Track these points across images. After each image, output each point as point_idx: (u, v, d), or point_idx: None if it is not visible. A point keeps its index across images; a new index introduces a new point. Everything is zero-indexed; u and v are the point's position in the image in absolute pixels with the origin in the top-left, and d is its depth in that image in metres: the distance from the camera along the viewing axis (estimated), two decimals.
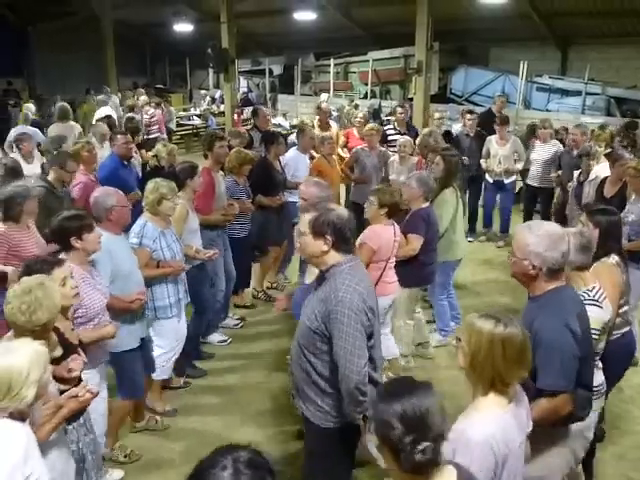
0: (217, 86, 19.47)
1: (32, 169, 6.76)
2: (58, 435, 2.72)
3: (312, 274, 3.40)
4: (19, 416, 2.28)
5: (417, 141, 7.23)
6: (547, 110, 13.83)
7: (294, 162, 6.89)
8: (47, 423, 2.55)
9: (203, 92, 19.70)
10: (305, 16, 15.22)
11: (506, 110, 10.57)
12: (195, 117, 17.26)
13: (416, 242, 4.90)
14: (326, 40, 18.40)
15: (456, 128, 9.92)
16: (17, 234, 4.27)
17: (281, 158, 6.78)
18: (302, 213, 3.21)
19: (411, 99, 13.48)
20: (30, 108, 10.66)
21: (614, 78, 14.50)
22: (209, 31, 16.51)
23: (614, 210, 3.98)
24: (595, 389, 3.00)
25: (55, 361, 2.79)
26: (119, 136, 6.72)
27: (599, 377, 3.15)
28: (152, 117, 12.03)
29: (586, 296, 3.05)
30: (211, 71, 19.05)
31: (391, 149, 8.04)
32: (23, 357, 2.28)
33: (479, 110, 10.59)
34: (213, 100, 18.82)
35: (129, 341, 3.92)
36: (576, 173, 6.72)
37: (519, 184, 9.21)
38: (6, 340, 2.63)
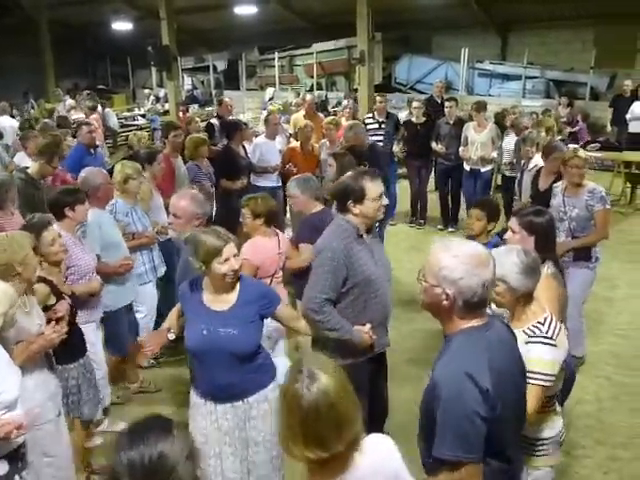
0: (161, 85, 19.16)
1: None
2: (38, 369, 3.13)
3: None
4: None
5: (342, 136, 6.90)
6: (489, 95, 14.08)
7: (261, 148, 7.29)
8: (18, 356, 2.93)
9: (147, 91, 19.34)
10: (246, 10, 15.13)
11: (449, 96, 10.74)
12: (139, 117, 16.94)
13: (308, 251, 4.10)
14: (269, 33, 18.30)
15: (402, 116, 10.03)
16: (2, 221, 4.65)
17: (247, 144, 7.32)
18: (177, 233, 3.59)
19: (356, 90, 13.54)
20: None
21: (553, 61, 14.86)
22: (149, 29, 16.25)
23: (546, 210, 3.51)
24: (548, 440, 2.67)
25: (50, 307, 3.34)
26: (84, 126, 7.22)
27: (557, 424, 2.73)
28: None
29: (536, 331, 2.56)
30: (154, 70, 18.72)
31: (371, 139, 7.93)
32: None
33: (423, 97, 10.71)
34: (157, 99, 18.50)
35: (118, 301, 4.47)
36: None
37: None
38: None
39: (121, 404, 4.70)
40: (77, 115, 11.93)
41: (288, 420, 1.81)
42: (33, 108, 16.09)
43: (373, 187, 3.33)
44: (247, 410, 3.05)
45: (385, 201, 3.43)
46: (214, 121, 8.76)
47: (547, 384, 2.50)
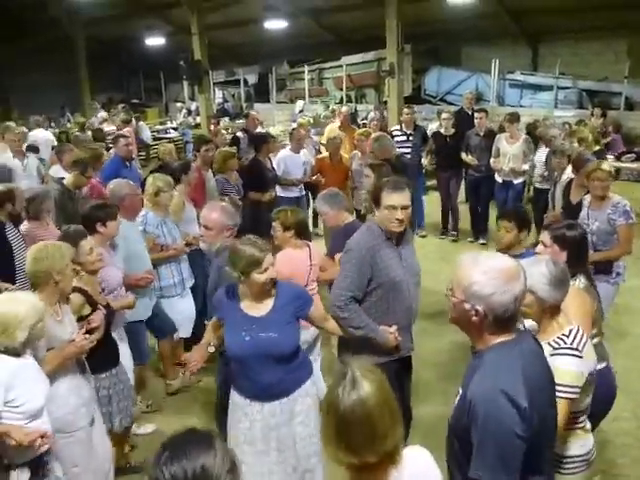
0: (192, 98, 19.44)
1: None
2: (71, 375, 3.21)
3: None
4: (13, 352, 2.74)
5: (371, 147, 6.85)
6: (520, 106, 13.96)
7: (285, 161, 7.45)
8: (49, 362, 3.03)
9: (179, 105, 19.63)
10: (276, 24, 15.26)
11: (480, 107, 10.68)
12: (172, 130, 17.20)
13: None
14: (299, 47, 18.46)
15: (432, 128, 10.01)
16: (38, 231, 4.84)
17: (272, 157, 7.44)
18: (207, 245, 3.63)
19: (386, 102, 13.55)
20: None
21: (585, 72, 14.68)
22: (182, 44, 16.52)
23: (578, 223, 3.52)
24: (577, 459, 2.59)
25: (85, 318, 3.42)
26: (121, 139, 7.34)
27: (587, 442, 2.64)
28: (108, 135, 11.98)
29: (561, 343, 2.50)
30: (185, 83, 19.02)
31: (400, 151, 8.01)
32: (21, 306, 2.73)
33: (453, 109, 10.67)
34: (189, 112, 18.76)
35: (139, 313, 4.48)
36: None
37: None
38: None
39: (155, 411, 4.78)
40: (109, 128, 12.18)
41: (325, 420, 1.81)
42: (69, 122, 16.46)
43: (387, 196, 3.35)
44: (292, 406, 3.16)
45: (400, 215, 3.34)
46: (240, 134, 8.90)
47: (572, 396, 2.43)
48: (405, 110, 8.75)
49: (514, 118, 7.83)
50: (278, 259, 3.95)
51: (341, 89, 17.23)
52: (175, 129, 17.03)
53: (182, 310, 4.99)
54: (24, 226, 4.95)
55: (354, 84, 17.17)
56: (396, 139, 8.34)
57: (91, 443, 3.31)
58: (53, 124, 14.98)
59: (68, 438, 3.12)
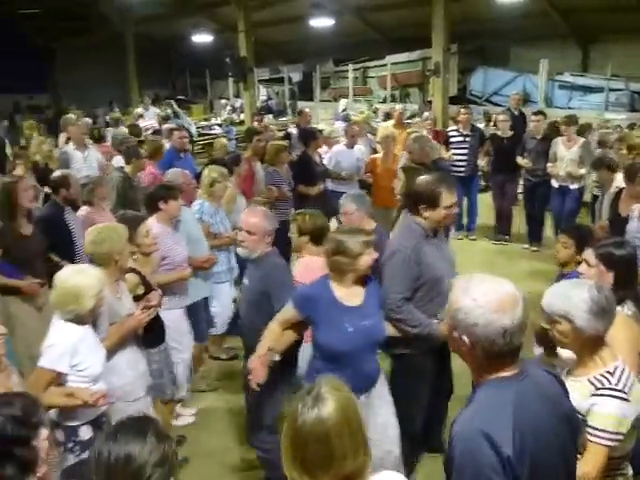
0: (237, 95, 19.62)
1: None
2: (129, 350, 3.48)
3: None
4: (77, 321, 3.01)
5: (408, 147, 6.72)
6: (569, 108, 13.65)
7: (338, 156, 7.66)
8: (112, 336, 3.32)
9: (223, 101, 19.87)
10: (322, 22, 15.28)
11: (529, 109, 10.48)
12: (216, 126, 17.41)
13: None
14: (344, 45, 18.44)
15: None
16: (95, 215, 5.17)
17: (323, 151, 7.80)
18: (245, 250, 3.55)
19: (430, 102, 13.44)
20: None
21: (638, 73, 14.25)
22: (228, 41, 16.71)
23: (627, 241, 3.24)
24: None
25: (139, 297, 3.68)
26: (175, 132, 7.82)
27: None
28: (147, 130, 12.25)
29: (604, 382, 2.22)
30: (231, 81, 19.21)
31: (455, 152, 8.15)
32: (89, 277, 3.02)
33: (499, 110, 10.51)
34: (234, 109, 18.96)
35: (199, 293, 4.78)
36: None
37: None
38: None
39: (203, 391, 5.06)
40: (145, 123, 12.46)
41: (283, 435, 1.75)
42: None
43: (448, 196, 3.42)
44: (378, 392, 3.27)
45: (456, 210, 3.52)
46: (292, 130, 9.08)
47: (612, 444, 2.17)
48: (462, 110, 8.61)
49: (571, 121, 7.59)
50: (296, 268, 4.02)
51: (385, 88, 17.16)
52: (219, 125, 17.23)
53: (229, 297, 5.25)
54: (82, 211, 5.35)
55: (398, 83, 17.07)
56: (452, 140, 8.28)
57: (148, 412, 3.49)
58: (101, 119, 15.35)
59: (128, 407, 3.32)
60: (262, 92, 19.99)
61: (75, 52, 20.10)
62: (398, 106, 9.87)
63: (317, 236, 4.00)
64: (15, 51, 18.33)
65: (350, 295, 3.14)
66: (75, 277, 3.01)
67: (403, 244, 3.47)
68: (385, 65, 16.98)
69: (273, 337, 3.23)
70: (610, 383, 2.22)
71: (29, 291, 4.53)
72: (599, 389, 2.23)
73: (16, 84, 18.83)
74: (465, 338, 1.78)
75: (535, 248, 8.08)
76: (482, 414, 1.75)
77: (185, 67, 23.91)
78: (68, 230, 5.08)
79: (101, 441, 1.72)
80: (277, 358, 3.24)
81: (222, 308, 5.20)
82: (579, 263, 3.61)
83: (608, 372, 2.25)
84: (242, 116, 16.91)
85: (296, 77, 19.94)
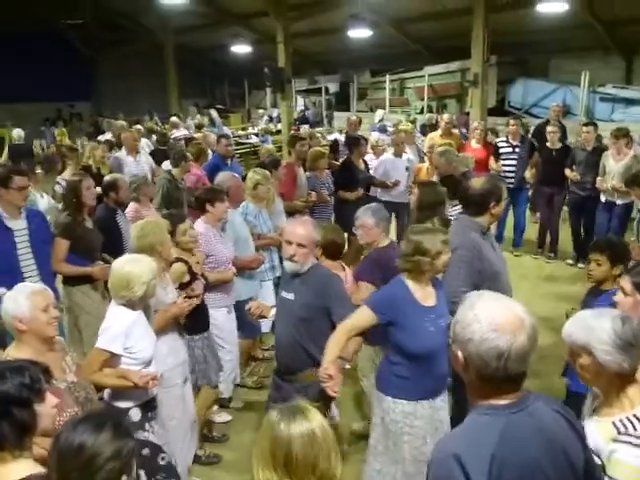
0: (274, 105, 19.78)
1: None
2: (171, 337, 3.70)
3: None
4: (130, 305, 3.22)
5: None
6: (611, 120, 13.37)
7: (386, 164, 7.84)
8: (157, 321, 3.54)
9: (261, 111, 20.03)
10: (360, 33, 15.30)
11: (569, 122, 10.30)
12: (253, 136, 17.54)
13: (365, 291, 3.87)
14: (381, 56, 18.44)
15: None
16: (142, 211, 5.66)
17: (369, 159, 8.07)
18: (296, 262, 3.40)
19: (468, 113, 13.32)
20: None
21: None
22: (266, 52, 16.84)
23: None
24: None
25: (184, 285, 3.94)
26: (222, 139, 8.16)
27: None
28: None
29: (629, 428, 1.97)
30: (268, 90, 19.38)
31: (504, 164, 8.05)
32: (141, 266, 3.21)
33: (537, 122, 10.36)
34: (271, 119, 19.10)
35: (247, 292, 5.01)
36: None
37: None
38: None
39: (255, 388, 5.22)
40: (178, 133, 12.67)
41: (264, 442, 1.84)
42: (157, 125, 17.11)
43: (500, 206, 3.69)
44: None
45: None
46: (339, 137, 9.27)
47: None
48: (511, 121, 8.47)
49: (621, 134, 7.32)
50: None
51: (422, 99, 17.08)
52: (256, 135, 17.37)
53: (271, 292, 5.37)
54: (130, 207, 5.76)
55: (436, 94, 16.98)
56: (501, 150, 8.17)
57: (185, 400, 3.76)
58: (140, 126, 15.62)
59: (165, 393, 3.53)
60: (299, 102, 20.11)
61: (117, 62, 20.54)
62: (445, 115, 9.67)
63: (330, 251, 4.01)
64: (60, 60, 18.84)
65: (425, 295, 3.18)
66: (129, 265, 3.22)
67: (466, 239, 3.58)
68: (423, 76, 16.91)
69: (340, 345, 3.13)
70: (635, 430, 1.97)
71: (100, 275, 4.72)
72: (621, 434, 1.98)
73: (59, 92, 19.36)
74: (460, 354, 1.69)
75: (581, 265, 7.73)
76: (462, 439, 1.66)
77: (224, 77, 24.22)
78: (119, 231, 5.45)
79: (64, 428, 1.86)
80: (348, 366, 3.26)
81: (269, 304, 5.27)
82: (619, 276, 3.45)
83: (635, 416, 2.01)
84: (279, 126, 17.01)
85: (333, 88, 20.00)
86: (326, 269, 3.61)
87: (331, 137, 11.46)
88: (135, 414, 3.22)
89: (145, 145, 10.20)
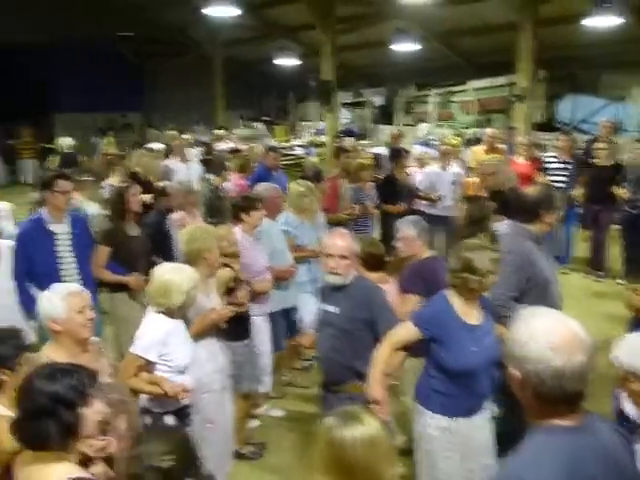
0: (319, 118, 19.90)
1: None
2: (211, 344, 3.71)
3: None
4: (168, 314, 3.25)
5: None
6: None
7: (431, 177, 7.85)
8: (196, 326, 3.54)
9: (305, 123, 20.18)
10: (406, 47, 15.28)
11: (621, 138, 10.04)
12: (297, 147, 17.68)
13: (411, 303, 3.92)
14: (427, 70, 18.37)
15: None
16: (187, 219, 5.70)
17: (414, 172, 8.07)
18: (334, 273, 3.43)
19: (513, 128, 13.13)
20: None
21: None
22: (312, 65, 16.97)
23: None
24: None
25: (229, 291, 3.99)
26: (271, 152, 8.43)
27: None
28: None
29: None
30: (314, 103, 19.51)
31: (551, 180, 7.84)
32: (181, 275, 3.23)
33: (586, 138, 10.14)
34: (315, 131, 19.22)
35: (279, 304, 5.04)
36: None
37: None
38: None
39: (279, 398, 5.30)
40: (223, 145, 12.92)
41: (325, 448, 1.85)
42: (204, 135, 17.43)
43: (552, 215, 3.66)
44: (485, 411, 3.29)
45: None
46: (382, 150, 9.35)
47: None
48: (561, 137, 8.37)
49: None
50: None
51: (468, 113, 16.94)
52: (300, 147, 17.50)
53: (312, 306, 5.26)
54: (176, 215, 5.88)
55: (482, 109, 16.81)
56: (549, 166, 8.05)
57: (223, 406, 3.78)
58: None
59: (203, 398, 3.58)
60: (344, 115, 20.19)
61: (166, 73, 20.98)
62: (489, 130, 9.59)
63: (371, 263, 3.99)
64: (112, 72, 19.37)
65: (471, 313, 3.11)
66: (169, 273, 3.26)
67: (517, 245, 3.60)
68: (468, 90, 16.78)
69: (385, 361, 3.13)
70: None
71: (135, 286, 4.85)
72: None
73: (112, 103, 19.88)
74: (516, 372, 1.66)
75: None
76: (525, 461, 1.61)
77: (270, 89, 24.47)
78: (169, 235, 5.65)
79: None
80: (397, 383, 3.27)
81: (307, 317, 5.28)
82: None
83: None
84: (323, 138, 17.10)
85: (378, 101, 20.02)
86: (369, 281, 3.62)
87: (374, 150, 11.45)
88: (169, 420, 3.27)
89: (194, 155, 10.45)
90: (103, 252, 4.93)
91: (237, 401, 4.13)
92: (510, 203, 5.11)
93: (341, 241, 3.46)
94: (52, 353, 2.82)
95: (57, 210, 4.63)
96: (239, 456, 4.28)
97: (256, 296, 4.52)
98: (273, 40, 18.83)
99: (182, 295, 3.21)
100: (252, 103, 25.31)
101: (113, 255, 4.96)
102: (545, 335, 1.61)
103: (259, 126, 16.39)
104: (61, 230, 4.64)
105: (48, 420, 2.02)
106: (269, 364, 4.81)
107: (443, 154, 8.05)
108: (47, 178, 4.71)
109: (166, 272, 3.28)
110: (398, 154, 7.91)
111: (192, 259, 3.65)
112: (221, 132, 14.85)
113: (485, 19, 14.98)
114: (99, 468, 2.27)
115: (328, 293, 3.58)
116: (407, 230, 4.27)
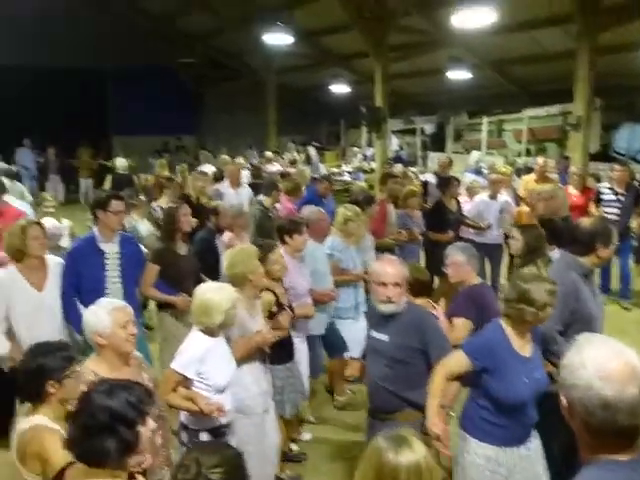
0: (369, 144, 19.99)
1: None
2: (255, 368, 3.74)
3: None
4: (209, 332, 3.30)
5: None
6: None
7: (479, 206, 7.82)
8: (238, 349, 3.56)
9: (355, 149, 20.29)
10: (458, 75, 15.26)
11: None
12: (346, 173, 17.78)
13: (462, 328, 3.91)
14: (479, 98, 18.27)
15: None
16: (235, 241, 5.78)
17: (463, 201, 7.99)
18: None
19: (567, 157, 12.88)
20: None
21: None
22: (364, 92, 17.13)
23: None
24: None
25: (271, 315, 3.98)
26: (325, 181, 8.68)
27: None
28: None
29: None
30: (364, 129, 19.62)
31: (605, 211, 7.69)
32: (222, 294, 3.27)
33: None
34: (365, 157, 19.30)
35: (317, 327, 5.04)
36: None
37: None
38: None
39: (317, 423, 5.28)
40: (273, 168, 13.14)
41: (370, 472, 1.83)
42: (255, 159, 17.75)
43: (608, 250, 3.52)
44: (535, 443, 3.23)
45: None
46: (430, 178, 9.27)
47: None
48: (616, 167, 8.13)
49: None
50: None
51: (520, 142, 16.73)
52: (350, 172, 17.59)
53: (354, 333, 5.25)
54: (225, 236, 6.04)
55: (535, 138, 16.58)
56: (603, 197, 7.86)
57: (264, 429, 3.78)
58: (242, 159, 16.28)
59: (245, 420, 3.62)
60: (394, 142, 20.24)
61: (221, 98, 21.52)
62: (540, 159, 9.39)
63: (418, 289, 3.93)
64: (170, 95, 20.01)
65: (523, 344, 3.08)
66: (210, 293, 3.30)
67: (565, 277, 3.48)
68: (522, 119, 16.60)
69: (441, 392, 3.07)
70: None
71: (182, 306, 4.87)
72: None
73: (169, 125, 20.52)
74: (565, 400, 1.58)
75: None
76: None
77: (322, 115, 24.77)
78: (217, 253, 5.76)
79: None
80: (452, 414, 3.26)
81: (351, 344, 5.25)
82: None
83: None
84: (372, 164, 17.15)
85: (429, 128, 20.01)
86: (420, 307, 3.59)
87: (424, 178, 11.42)
88: (204, 438, 3.29)
89: (245, 177, 10.66)
90: (152, 270, 5.02)
91: (280, 423, 4.17)
92: (563, 233, 5.04)
93: (393, 269, 3.42)
94: (95, 366, 2.91)
95: (108, 230, 4.73)
96: None
97: (297, 320, 4.52)
98: (326, 67, 19.13)
99: (221, 315, 3.25)
100: (304, 129, 25.65)
101: (162, 274, 5.03)
102: (596, 363, 1.53)
103: (311, 151, 16.55)
104: (110, 250, 4.74)
105: (108, 437, 2.02)
106: (307, 388, 4.78)
107: (493, 182, 8.00)
108: (101, 198, 4.84)
109: (207, 291, 3.33)
110: (447, 182, 7.86)
111: (237, 282, 3.69)
112: (270, 154, 15.09)
113: (539, 47, 14.84)
114: None
115: (377, 321, 3.52)
116: (457, 256, 4.24)
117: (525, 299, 2.97)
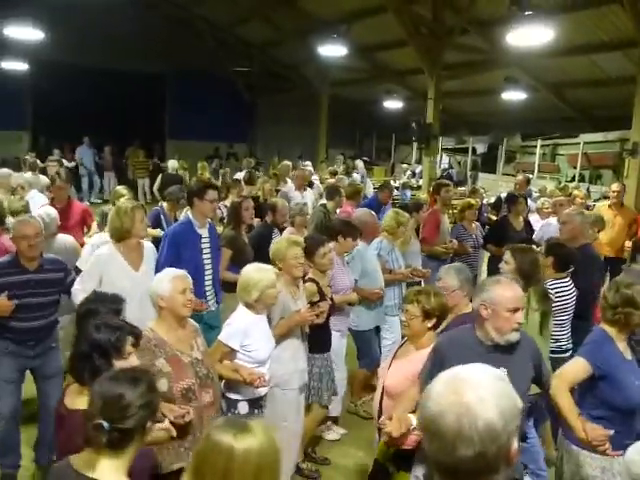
0: (419, 161, 19.91)
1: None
2: (294, 346, 3.98)
3: None
4: (250, 307, 3.57)
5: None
6: None
7: (547, 227, 7.77)
8: (280, 327, 3.86)
9: (404, 166, 20.22)
10: (514, 96, 15.06)
11: None
12: (394, 189, 17.70)
13: None
14: (534, 120, 17.96)
15: None
16: (297, 235, 5.86)
17: (534, 221, 8.06)
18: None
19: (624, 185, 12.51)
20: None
21: None
22: (416, 108, 17.07)
23: None
24: None
25: (313, 304, 4.18)
26: (386, 189, 9.04)
27: None
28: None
29: None
30: (415, 146, 19.56)
31: None
32: (260, 274, 3.56)
33: None
34: (413, 174, 19.20)
35: (367, 323, 5.38)
36: None
37: None
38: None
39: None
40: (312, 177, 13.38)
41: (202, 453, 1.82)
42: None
43: None
44: None
45: None
46: (504, 194, 9.77)
47: None
48: None
49: None
50: (412, 362, 3.30)
51: (575, 167, 16.37)
52: (396, 188, 17.51)
53: (396, 329, 5.50)
54: (287, 230, 6.37)
55: (590, 163, 16.20)
56: None
57: (298, 408, 4.03)
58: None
59: (282, 395, 3.88)
60: (444, 160, 20.11)
61: (274, 108, 21.80)
62: (615, 185, 8.64)
63: (443, 318, 3.50)
64: (225, 103, 20.40)
65: (625, 348, 3.15)
66: (251, 271, 3.61)
67: None
68: (577, 143, 16.26)
69: (573, 404, 3.01)
70: None
71: None
72: None
73: (222, 132, 20.95)
74: None
75: None
76: None
77: (373, 130, 24.81)
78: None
79: (103, 379, 2.12)
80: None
81: (393, 340, 5.47)
82: None
83: None
84: (420, 182, 17.04)
85: (481, 148, 19.81)
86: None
87: (499, 194, 11.64)
88: (243, 407, 3.54)
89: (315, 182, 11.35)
90: (226, 254, 5.53)
91: (314, 411, 4.34)
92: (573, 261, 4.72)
93: (516, 292, 2.90)
94: (155, 326, 3.28)
95: (202, 216, 5.07)
96: (298, 470, 4.34)
97: (336, 310, 4.68)
98: (380, 82, 19.16)
99: (257, 292, 3.50)
100: (354, 142, 25.74)
101: (231, 258, 5.54)
102: None
103: (359, 164, 16.61)
104: (204, 234, 5.09)
105: (86, 362, 2.50)
106: (344, 377, 5.06)
107: (557, 205, 7.98)
108: (198, 187, 5.21)
109: (249, 270, 3.63)
110: (514, 200, 7.78)
111: (279, 265, 4.01)
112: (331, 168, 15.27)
113: (600, 72, 14.51)
114: (163, 425, 2.59)
115: (487, 356, 2.77)
116: (449, 279, 3.81)
117: (631, 303, 3.09)
